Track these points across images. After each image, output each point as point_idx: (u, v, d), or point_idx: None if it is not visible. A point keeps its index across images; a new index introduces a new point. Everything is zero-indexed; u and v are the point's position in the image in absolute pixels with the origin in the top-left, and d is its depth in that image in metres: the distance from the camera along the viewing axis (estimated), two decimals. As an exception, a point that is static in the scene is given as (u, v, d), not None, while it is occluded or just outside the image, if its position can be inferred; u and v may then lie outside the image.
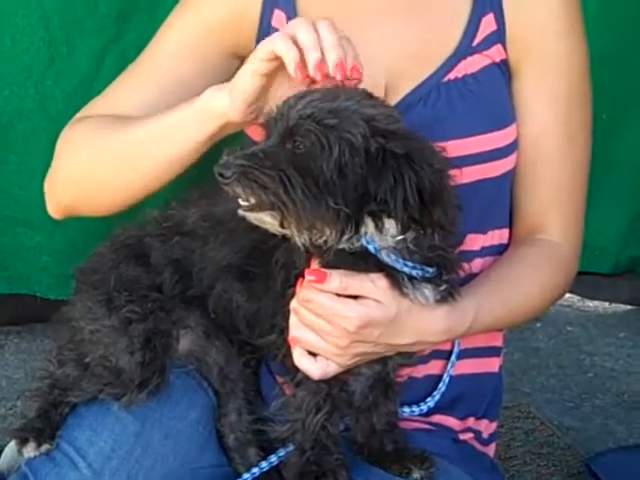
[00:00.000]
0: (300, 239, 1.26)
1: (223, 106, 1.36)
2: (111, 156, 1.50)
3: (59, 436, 1.45)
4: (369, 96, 1.31)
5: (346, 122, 1.24)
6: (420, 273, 1.31)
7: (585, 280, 2.92)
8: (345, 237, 1.26)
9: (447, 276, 1.34)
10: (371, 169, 1.24)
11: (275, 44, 1.29)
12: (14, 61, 2.27)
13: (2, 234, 2.42)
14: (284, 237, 1.29)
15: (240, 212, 1.26)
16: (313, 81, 1.30)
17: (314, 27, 1.29)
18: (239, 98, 1.33)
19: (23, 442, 1.45)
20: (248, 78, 1.32)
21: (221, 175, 1.23)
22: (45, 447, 1.44)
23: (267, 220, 1.25)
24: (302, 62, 1.27)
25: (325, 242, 1.26)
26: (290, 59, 1.27)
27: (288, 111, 1.26)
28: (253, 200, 1.23)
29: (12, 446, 1.49)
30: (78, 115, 1.60)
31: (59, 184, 1.59)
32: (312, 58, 1.27)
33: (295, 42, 1.28)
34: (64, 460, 1.42)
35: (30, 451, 1.44)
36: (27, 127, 2.29)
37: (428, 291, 1.33)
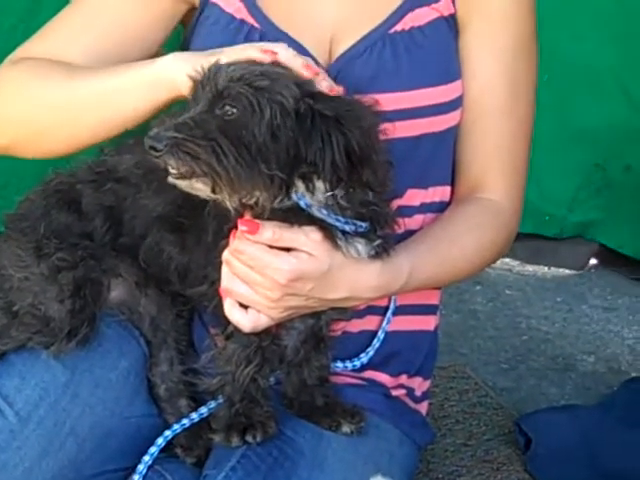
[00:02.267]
0: (231, 203, 1.26)
1: (181, 80, 1.34)
2: (54, 106, 1.47)
3: (-14, 383, 1.44)
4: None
5: (277, 84, 1.24)
6: (353, 228, 1.31)
7: (527, 246, 2.97)
8: (277, 200, 1.25)
9: (381, 231, 1.34)
10: (301, 131, 1.23)
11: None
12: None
13: None
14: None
15: (170, 180, 1.25)
16: None
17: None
18: None
19: (-52, 389, 1.43)
20: None
21: (153, 148, 1.21)
22: (-29, 394, 1.42)
23: (198, 187, 1.24)
24: None
25: (255, 204, 1.26)
26: None
27: (216, 75, 1.24)
28: (183, 169, 1.22)
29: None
30: (13, 56, 1.55)
31: None
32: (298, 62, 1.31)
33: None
34: (-10, 407, 1.40)
35: (-45, 398, 1.42)
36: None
37: (361, 246, 1.33)
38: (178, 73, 1.35)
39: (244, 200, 1.25)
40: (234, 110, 1.22)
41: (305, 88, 1.25)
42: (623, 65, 2.81)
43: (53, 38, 1.56)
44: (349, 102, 1.27)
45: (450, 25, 1.53)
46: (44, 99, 1.48)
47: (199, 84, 1.26)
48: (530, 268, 3.05)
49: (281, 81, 1.24)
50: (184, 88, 1.33)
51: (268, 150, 1.22)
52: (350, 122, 1.23)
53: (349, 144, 1.23)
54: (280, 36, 1.47)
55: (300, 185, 1.26)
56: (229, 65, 1.25)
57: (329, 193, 1.27)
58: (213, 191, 1.23)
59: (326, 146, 1.22)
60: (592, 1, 2.75)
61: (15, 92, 1.51)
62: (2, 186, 2.40)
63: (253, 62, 1.27)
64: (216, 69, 1.25)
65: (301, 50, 1.42)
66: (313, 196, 1.28)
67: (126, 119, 1.44)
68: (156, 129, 1.21)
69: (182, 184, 1.25)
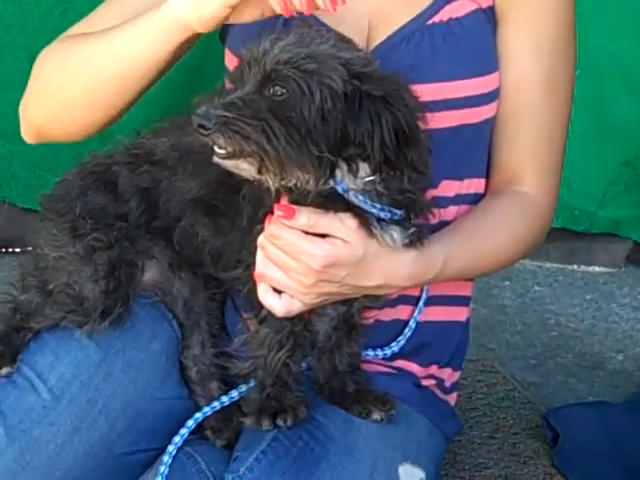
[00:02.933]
0: (274, 184, 1.26)
1: (189, 18, 1.35)
2: (79, 68, 1.48)
3: (21, 360, 1.45)
4: (342, 39, 1.30)
5: (325, 67, 1.23)
6: (388, 215, 1.31)
7: (561, 245, 2.96)
8: (322, 181, 1.25)
9: (415, 220, 1.34)
10: (350, 113, 1.23)
11: None
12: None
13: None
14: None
15: (215, 159, 1.24)
16: None
17: None
18: (206, 18, 1.34)
19: (-16, 365, 1.44)
20: (219, 7, 1.33)
21: (202, 126, 1.20)
22: (6, 370, 1.44)
23: (244, 167, 1.24)
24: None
25: (296, 186, 1.26)
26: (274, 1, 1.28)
27: (263, 56, 1.24)
28: (230, 149, 1.21)
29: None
30: (57, 39, 1.57)
31: (32, 106, 1.57)
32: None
33: None
34: (24, 383, 1.42)
35: (-10, 373, 1.44)
36: (5, 42, 2.27)
37: (396, 233, 1.33)
38: (185, 13, 1.35)
39: (287, 182, 1.25)
40: (283, 91, 1.22)
41: (351, 68, 1.24)
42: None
43: (95, 21, 1.57)
44: (395, 81, 1.27)
45: (488, 17, 1.53)
46: (68, 66, 1.49)
47: (245, 64, 1.25)
48: (559, 265, 3.03)
49: (329, 63, 1.23)
50: (196, 25, 1.35)
51: (318, 132, 1.21)
52: (398, 101, 1.23)
53: (398, 123, 1.22)
54: (317, 24, 1.46)
55: (344, 167, 1.26)
56: (274, 45, 1.24)
57: (370, 177, 1.27)
58: (259, 172, 1.23)
59: (375, 127, 1.22)
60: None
61: (47, 69, 1.53)
62: (36, 165, 2.43)
63: (299, 39, 1.26)
64: (263, 50, 1.24)
65: None
66: (355, 179, 1.27)
67: (144, 69, 1.44)
68: (204, 107, 1.21)
69: (228, 164, 1.24)
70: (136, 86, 1.47)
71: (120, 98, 1.49)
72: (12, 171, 2.50)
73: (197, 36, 1.40)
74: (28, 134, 1.61)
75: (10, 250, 2.56)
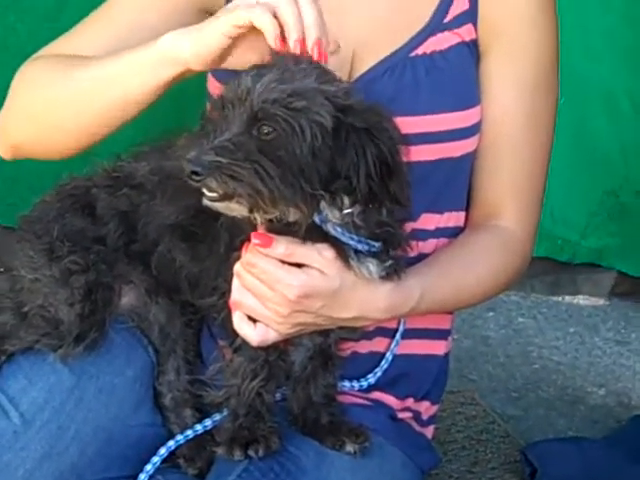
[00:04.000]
0: (262, 219, 1.26)
1: (185, 54, 1.34)
2: (66, 93, 1.47)
3: (-7, 383, 1.44)
4: (323, 70, 1.29)
5: (313, 103, 1.23)
6: (366, 247, 1.30)
7: (545, 279, 2.96)
8: (312, 216, 1.25)
9: (393, 252, 1.33)
10: (336, 147, 1.23)
11: (254, 15, 1.28)
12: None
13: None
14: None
15: (206, 202, 1.23)
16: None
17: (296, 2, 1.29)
18: (203, 52, 1.33)
19: (-46, 388, 1.43)
20: (216, 37, 1.31)
21: (195, 173, 1.19)
22: (-24, 393, 1.43)
23: (235, 207, 1.23)
24: (281, 36, 1.27)
25: (276, 217, 1.25)
26: (270, 33, 1.27)
27: (248, 95, 1.23)
28: (222, 192, 1.21)
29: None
30: (36, 54, 1.56)
31: (11, 122, 1.55)
32: (294, 37, 1.27)
33: (275, 16, 1.27)
34: (-5, 407, 1.41)
35: (-40, 397, 1.42)
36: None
37: (372, 266, 1.32)
38: (181, 48, 1.34)
39: (272, 216, 1.24)
40: (270, 130, 1.21)
41: (336, 102, 1.24)
42: (638, 88, 2.80)
43: (76, 38, 1.56)
44: (378, 112, 1.27)
45: (471, 51, 1.53)
46: (57, 88, 1.47)
47: (228, 103, 1.24)
48: (544, 297, 3.03)
49: (316, 99, 1.22)
50: (191, 62, 1.34)
51: (310, 169, 1.21)
52: (382, 133, 1.23)
53: (382, 155, 1.22)
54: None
55: (327, 199, 1.25)
56: (257, 82, 1.23)
57: (349, 210, 1.27)
58: (250, 211, 1.23)
59: (360, 159, 1.22)
60: (607, 23, 2.75)
61: (30, 86, 1.51)
62: (13, 181, 2.42)
63: (281, 74, 1.24)
64: (246, 89, 1.23)
65: None
66: (339, 212, 1.27)
67: (132, 102, 1.42)
68: (194, 152, 1.19)
69: (219, 206, 1.24)
70: (124, 116, 1.45)
71: (106, 126, 1.47)
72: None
73: (193, 72, 1.38)
74: (4, 150, 1.59)
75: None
